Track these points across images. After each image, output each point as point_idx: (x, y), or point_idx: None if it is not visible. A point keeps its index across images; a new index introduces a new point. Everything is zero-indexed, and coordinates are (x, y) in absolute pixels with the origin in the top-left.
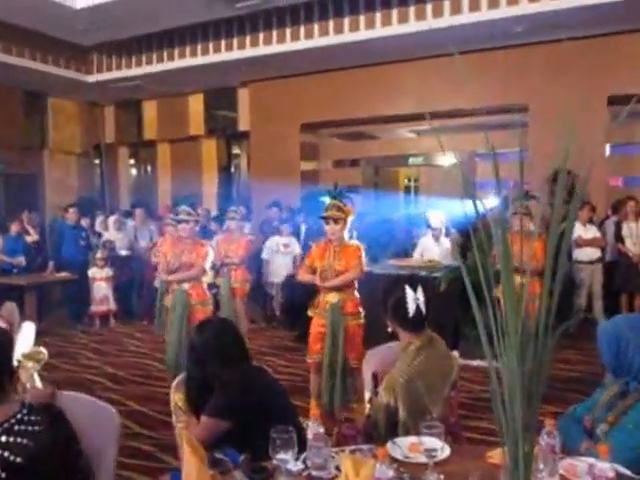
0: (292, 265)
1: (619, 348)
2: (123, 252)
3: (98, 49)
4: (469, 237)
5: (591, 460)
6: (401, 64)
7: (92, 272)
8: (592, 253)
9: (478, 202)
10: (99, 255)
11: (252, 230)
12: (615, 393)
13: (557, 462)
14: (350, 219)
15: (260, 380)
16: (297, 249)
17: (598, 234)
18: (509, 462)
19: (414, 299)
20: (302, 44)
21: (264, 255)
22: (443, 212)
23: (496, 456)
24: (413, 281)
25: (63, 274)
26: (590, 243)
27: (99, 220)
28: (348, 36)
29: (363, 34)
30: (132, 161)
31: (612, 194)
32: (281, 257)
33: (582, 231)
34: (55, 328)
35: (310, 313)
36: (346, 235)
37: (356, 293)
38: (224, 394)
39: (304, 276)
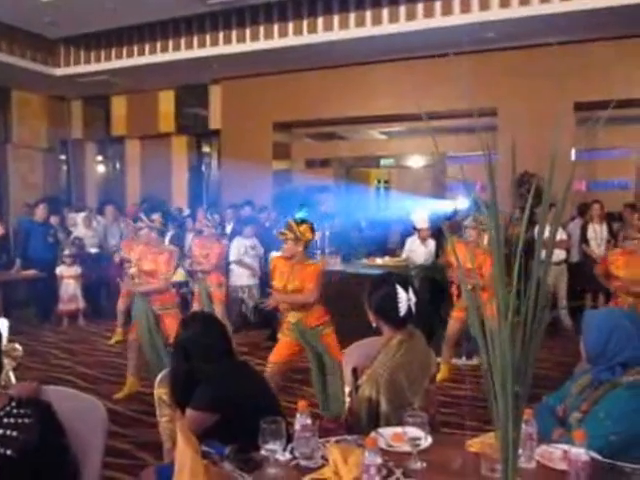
0: (259, 267)
1: (610, 338)
2: (93, 250)
3: (66, 42)
4: (440, 237)
5: (565, 446)
6: (374, 65)
7: (60, 270)
8: (558, 254)
9: (448, 203)
10: (67, 252)
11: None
12: (586, 384)
13: (534, 449)
14: (306, 239)
15: (245, 374)
16: (261, 251)
17: (564, 236)
18: (500, 443)
19: (407, 300)
20: (275, 42)
21: (232, 257)
22: (427, 212)
23: (475, 445)
24: (404, 281)
25: (30, 272)
26: (557, 244)
27: (68, 217)
28: (322, 36)
29: (336, 34)
30: (100, 158)
31: (576, 198)
32: (249, 260)
33: (549, 232)
34: (22, 327)
35: (279, 336)
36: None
37: (317, 306)
38: (210, 387)
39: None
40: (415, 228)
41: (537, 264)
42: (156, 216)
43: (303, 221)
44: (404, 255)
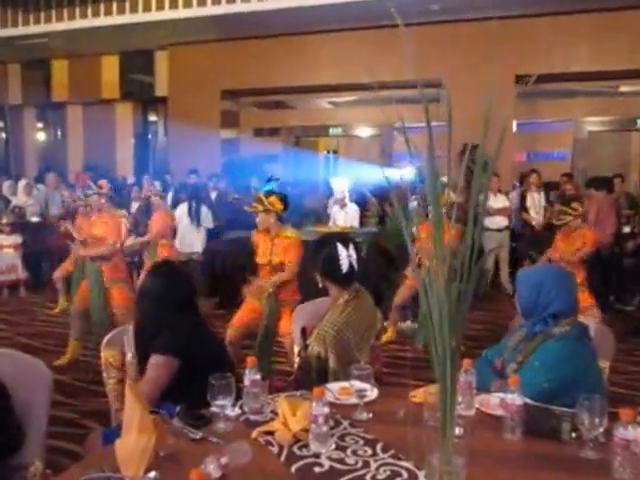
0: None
1: (540, 293)
2: (34, 219)
3: (3, 2)
4: (382, 203)
5: (503, 395)
6: (322, 35)
7: None
8: (500, 221)
9: (393, 172)
10: (5, 221)
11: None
12: (522, 337)
13: (473, 397)
14: (276, 210)
15: (206, 332)
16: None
17: (507, 204)
18: (439, 388)
19: (347, 256)
20: (223, 9)
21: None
22: (346, 179)
23: (419, 395)
24: (344, 239)
25: None
26: (499, 212)
27: (7, 185)
28: (271, 3)
29: (286, 2)
30: (40, 124)
31: (517, 168)
32: (188, 227)
33: (492, 201)
34: None
35: (245, 291)
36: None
37: (295, 282)
38: (174, 333)
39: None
40: (333, 194)
41: (470, 225)
42: (103, 182)
43: (271, 193)
44: (330, 222)
